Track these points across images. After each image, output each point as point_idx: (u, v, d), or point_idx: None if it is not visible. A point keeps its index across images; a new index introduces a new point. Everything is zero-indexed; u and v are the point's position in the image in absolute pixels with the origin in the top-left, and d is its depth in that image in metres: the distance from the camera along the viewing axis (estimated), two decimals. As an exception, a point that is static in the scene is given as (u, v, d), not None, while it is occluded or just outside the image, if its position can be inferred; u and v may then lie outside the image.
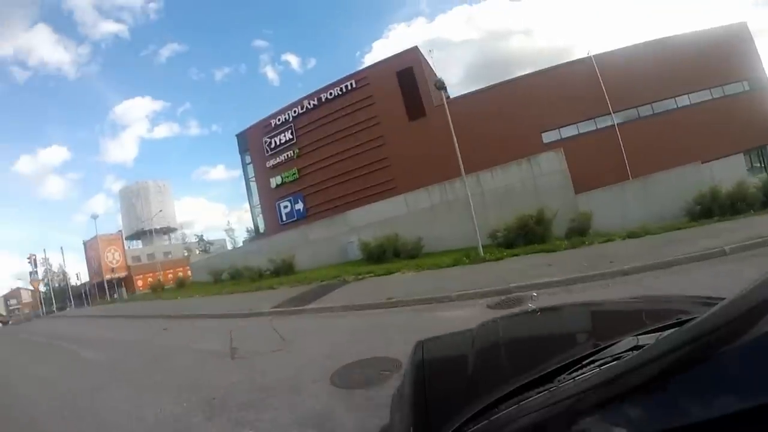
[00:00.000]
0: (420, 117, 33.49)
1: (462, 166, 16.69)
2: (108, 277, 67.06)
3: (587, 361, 1.21)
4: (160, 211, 74.16)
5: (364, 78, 36.35)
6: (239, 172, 46.47)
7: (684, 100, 31.24)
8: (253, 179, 43.50)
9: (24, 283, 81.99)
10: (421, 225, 21.39)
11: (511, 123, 30.36)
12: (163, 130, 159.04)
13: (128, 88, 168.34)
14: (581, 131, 31.36)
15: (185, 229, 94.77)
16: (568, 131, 31.25)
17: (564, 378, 1.16)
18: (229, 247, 68.85)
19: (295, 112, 39.27)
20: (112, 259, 72.30)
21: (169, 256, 74.26)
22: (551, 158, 20.58)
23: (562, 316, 2.52)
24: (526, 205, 17.19)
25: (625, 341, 1.24)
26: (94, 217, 58.67)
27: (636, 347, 1.17)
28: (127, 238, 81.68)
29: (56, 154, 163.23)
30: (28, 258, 78.64)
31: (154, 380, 7.05)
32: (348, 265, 21.44)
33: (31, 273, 76.03)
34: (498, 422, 1.04)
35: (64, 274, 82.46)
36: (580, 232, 15.80)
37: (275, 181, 40.08)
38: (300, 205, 38.44)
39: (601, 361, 1.16)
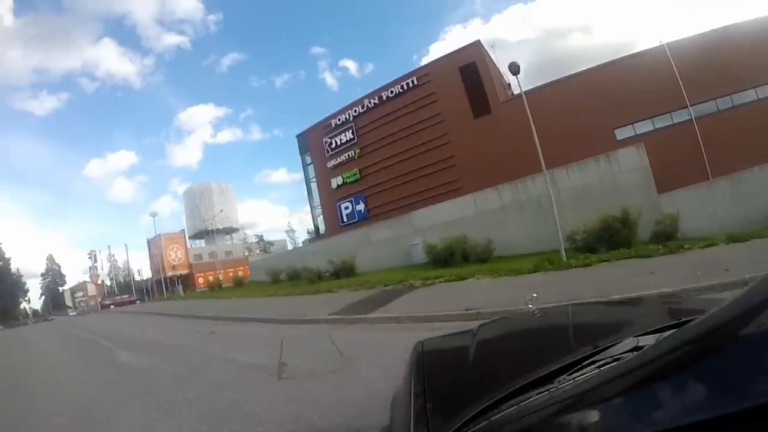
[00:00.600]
0: (485, 114, 32.14)
1: (543, 162, 15.50)
2: (170, 274, 70.06)
3: (587, 361, 1.21)
4: (221, 211, 77.65)
5: (425, 75, 35.34)
6: (300, 174, 46.54)
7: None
8: (314, 180, 43.47)
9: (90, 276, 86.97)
10: (490, 227, 20.16)
11: (581, 118, 28.19)
12: (226, 135, 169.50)
13: (192, 96, 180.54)
14: (656, 126, 28.53)
15: (247, 229, 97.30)
16: (643, 127, 28.47)
17: (564, 378, 1.16)
18: (290, 247, 69.66)
19: (355, 111, 38.81)
20: (175, 256, 75.70)
21: (231, 255, 76.88)
22: (631, 154, 18.79)
23: (562, 317, 2.52)
24: (604, 206, 15.84)
25: (626, 342, 1.25)
26: (153, 215, 61.65)
27: (636, 348, 1.19)
28: (190, 238, 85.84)
29: (124, 158, 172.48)
30: (89, 254, 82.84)
31: (185, 398, 5.99)
32: (412, 269, 20.28)
33: (91, 268, 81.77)
34: (498, 422, 1.04)
35: (129, 269, 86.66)
36: (666, 236, 14.30)
37: (336, 181, 39.87)
38: (361, 206, 37.97)
39: (602, 362, 1.17)
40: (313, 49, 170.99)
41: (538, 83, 32.60)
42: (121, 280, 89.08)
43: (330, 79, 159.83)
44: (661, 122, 28.18)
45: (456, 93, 33.26)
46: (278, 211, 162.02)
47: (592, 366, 1.16)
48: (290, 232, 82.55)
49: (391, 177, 36.18)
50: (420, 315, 9.61)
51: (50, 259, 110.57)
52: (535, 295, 2.85)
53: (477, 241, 18.97)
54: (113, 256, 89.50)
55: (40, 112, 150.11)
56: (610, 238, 14.54)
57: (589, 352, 1.26)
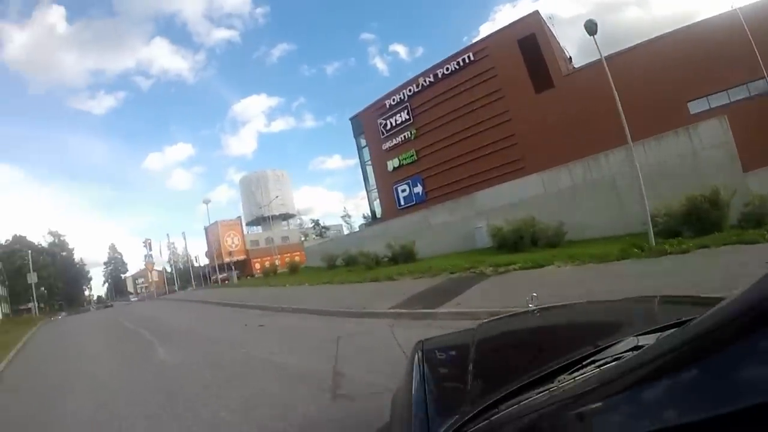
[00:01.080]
0: (548, 88, 30.20)
1: (629, 135, 14.14)
2: (226, 260, 70.57)
3: (587, 361, 1.21)
4: (277, 196, 78.27)
5: (482, 50, 33.88)
6: (355, 159, 46.10)
7: None
8: (369, 163, 42.82)
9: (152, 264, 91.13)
10: (559, 208, 18.69)
11: (650, 91, 25.48)
12: (279, 124, 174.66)
13: (245, 88, 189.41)
14: (732, 99, 25.68)
15: (303, 215, 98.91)
16: (718, 100, 25.85)
17: (564, 378, 1.17)
18: (346, 232, 69.42)
19: (410, 90, 37.90)
20: (231, 243, 77.31)
21: (287, 240, 77.95)
22: (713, 128, 16.65)
23: (562, 316, 2.48)
24: (683, 185, 14.32)
25: (626, 341, 1.25)
26: (206, 201, 61.89)
27: (636, 347, 1.18)
28: (247, 224, 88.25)
29: (182, 150, 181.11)
30: (144, 242, 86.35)
31: (216, 418, 5.02)
32: (476, 254, 18.87)
33: (146, 256, 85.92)
34: (498, 422, 1.05)
35: (188, 256, 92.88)
36: (756, 219, 12.64)
37: (392, 163, 39.17)
38: (419, 188, 37.23)
39: (602, 362, 1.17)
40: (362, 36, 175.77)
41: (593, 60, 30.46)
42: (180, 266, 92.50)
43: (380, 65, 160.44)
44: (737, 94, 25.65)
45: (515, 67, 31.54)
46: (333, 197, 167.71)
47: (592, 366, 1.17)
48: (346, 217, 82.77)
49: (450, 158, 35.18)
50: (502, 310, 7.00)
51: (112, 248, 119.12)
52: (535, 294, 2.75)
53: (547, 224, 17.61)
54: (173, 243, 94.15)
55: (98, 111, 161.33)
56: (697, 221, 13.01)
57: (589, 352, 1.26)
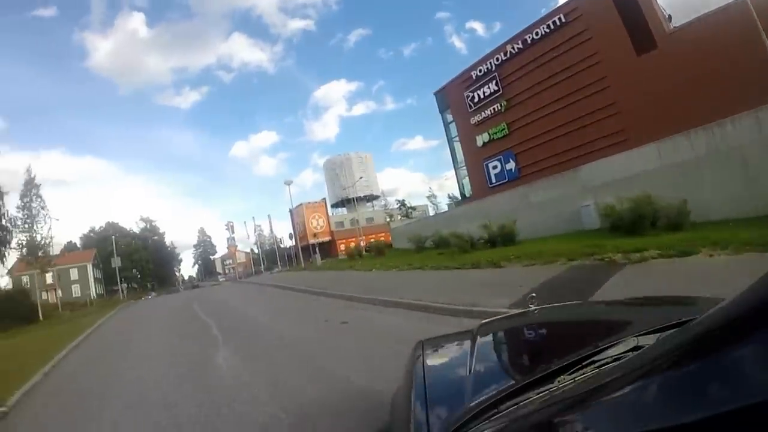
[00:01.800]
0: (650, 50, 27.06)
1: None
2: (311, 241, 73.20)
3: (587, 361, 1.20)
4: (361, 177, 79.79)
5: (574, 10, 30.85)
6: (437, 141, 45.65)
7: None
8: (456, 139, 41.44)
9: (241, 246, 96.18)
10: (678, 185, 16.24)
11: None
12: (360, 108, 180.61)
13: (324, 74, 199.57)
14: None
15: (387, 197, 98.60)
16: None
17: (564, 378, 1.16)
18: (431, 213, 68.73)
19: (497, 59, 35.96)
20: (316, 224, 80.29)
21: (372, 222, 80.00)
22: None
23: (562, 316, 2.49)
24: None
25: (626, 341, 1.25)
26: (288, 183, 63.45)
27: (636, 347, 1.17)
28: (332, 206, 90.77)
29: (266, 138, 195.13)
30: (226, 225, 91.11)
31: None
32: (585, 236, 17.18)
33: (228, 239, 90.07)
34: (498, 422, 1.05)
35: (275, 238, 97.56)
36: None
37: (481, 139, 37.65)
38: (511, 164, 35.68)
39: (602, 362, 1.16)
40: (438, 14, 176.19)
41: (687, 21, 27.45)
42: (266, 248, 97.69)
43: (458, 43, 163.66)
44: None
45: (612, 28, 27.90)
46: (416, 178, 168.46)
47: (592, 366, 1.16)
48: (431, 197, 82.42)
49: (543, 131, 32.62)
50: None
51: (201, 231, 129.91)
52: (534, 294, 2.63)
53: (668, 202, 15.22)
54: (259, 226, 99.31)
55: (184, 105, 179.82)
56: None
57: (589, 352, 1.25)
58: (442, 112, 43.14)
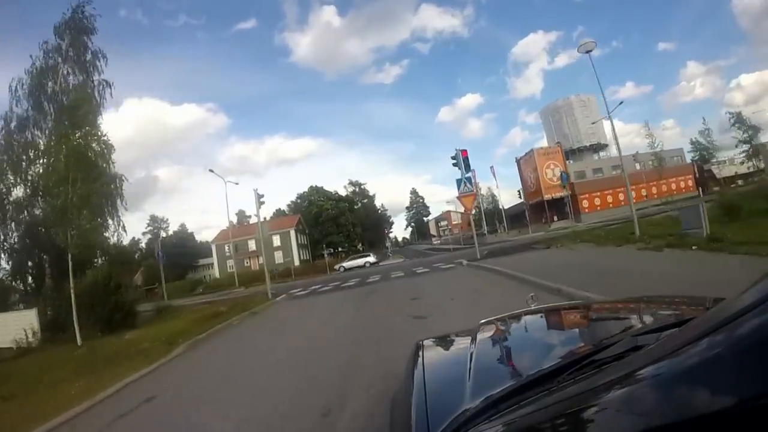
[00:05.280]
0: None
1: None
2: (547, 196, 59.25)
3: (587, 361, 1.20)
4: (594, 123, 65.03)
5: None
6: (649, 87, 34.72)
7: None
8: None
9: (454, 206, 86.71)
10: None
11: None
12: (563, 59, 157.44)
13: (519, 29, 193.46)
14: None
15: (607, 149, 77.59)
16: None
17: (564, 378, 1.17)
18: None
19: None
20: (552, 175, 61.20)
21: (616, 172, 57.55)
22: None
23: (562, 316, 2.54)
24: None
25: (625, 341, 1.23)
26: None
27: (636, 347, 1.15)
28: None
29: (471, 101, 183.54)
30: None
31: None
32: None
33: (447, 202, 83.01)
34: (498, 422, 1.06)
35: (493, 197, 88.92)
36: None
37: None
38: None
39: (601, 361, 1.16)
40: None
41: None
42: (484, 207, 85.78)
43: None
44: None
45: None
46: (629, 130, 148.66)
47: (592, 366, 1.15)
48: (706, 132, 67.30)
49: None
50: None
51: (414, 192, 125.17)
52: (533, 294, 2.72)
53: None
54: (477, 184, 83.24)
55: (388, 80, 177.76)
56: None
57: (589, 352, 1.26)
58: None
